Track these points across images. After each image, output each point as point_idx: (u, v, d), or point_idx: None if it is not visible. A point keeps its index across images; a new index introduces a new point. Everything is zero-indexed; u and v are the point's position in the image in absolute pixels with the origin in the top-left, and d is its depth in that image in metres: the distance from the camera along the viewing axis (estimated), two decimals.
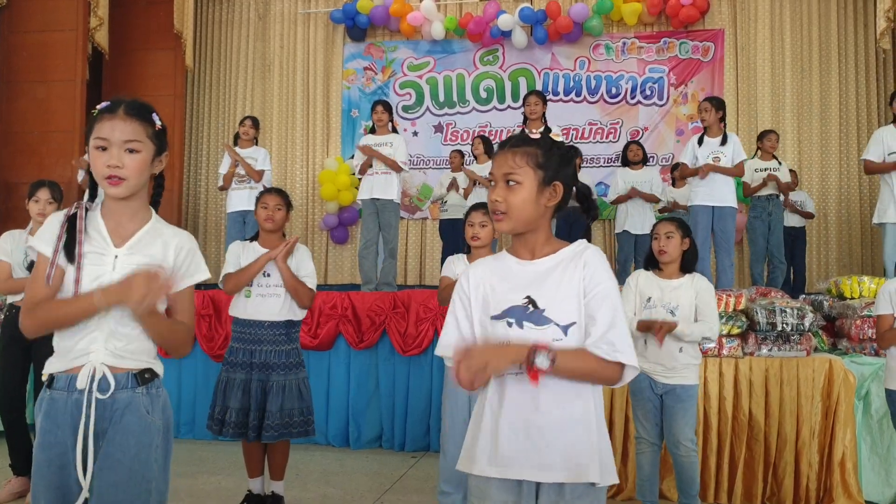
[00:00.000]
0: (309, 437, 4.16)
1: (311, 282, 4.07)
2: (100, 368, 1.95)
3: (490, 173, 1.95)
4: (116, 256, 2.00)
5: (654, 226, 3.99)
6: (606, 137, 9.35)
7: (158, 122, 2.06)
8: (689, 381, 3.84)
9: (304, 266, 4.08)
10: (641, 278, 3.95)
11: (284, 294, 4.03)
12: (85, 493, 1.93)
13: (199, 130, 10.23)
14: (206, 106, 10.24)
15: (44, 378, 2.02)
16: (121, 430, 1.95)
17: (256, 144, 7.30)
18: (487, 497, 1.92)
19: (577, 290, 1.88)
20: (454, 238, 7.46)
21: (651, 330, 3.76)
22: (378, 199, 6.69)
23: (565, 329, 1.88)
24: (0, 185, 8.80)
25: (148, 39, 9.57)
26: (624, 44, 9.45)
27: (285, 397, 4.00)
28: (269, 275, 4.05)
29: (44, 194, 4.39)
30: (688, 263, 3.89)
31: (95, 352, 1.96)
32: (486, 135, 8.69)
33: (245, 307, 4.05)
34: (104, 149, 1.96)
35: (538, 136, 1.95)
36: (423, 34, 9.61)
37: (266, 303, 4.04)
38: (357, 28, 9.78)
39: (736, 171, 6.26)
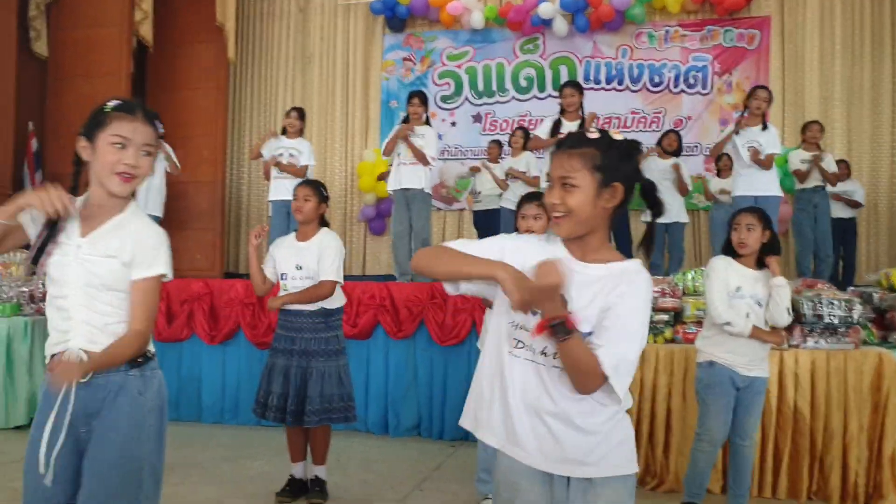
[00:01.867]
0: (349, 423, 4.21)
1: (329, 275, 4.07)
2: (77, 354, 1.99)
3: (548, 173, 1.90)
4: (79, 246, 2.03)
5: (735, 215, 3.84)
6: (649, 126, 9.24)
7: (161, 130, 2.12)
8: (765, 374, 3.79)
9: (325, 259, 4.10)
10: (724, 264, 3.78)
11: (313, 282, 4.08)
12: (49, 475, 1.97)
13: (242, 122, 10.34)
14: (248, 98, 10.34)
15: (46, 360, 2.07)
16: (113, 410, 2.00)
17: (302, 136, 7.33)
18: (519, 489, 1.89)
19: (604, 307, 1.82)
20: (489, 229, 7.43)
21: (764, 339, 3.70)
22: (408, 190, 6.69)
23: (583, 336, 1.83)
24: (48, 177, 8.98)
25: (191, 33, 9.67)
26: (667, 32, 9.31)
27: (325, 383, 4.05)
28: (300, 267, 4.11)
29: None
30: (767, 255, 3.76)
31: (74, 338, 2.02)
32: (527, 124, 8.65)
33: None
34: (122, 146, 2.01)
35: (597, 134, 1.86)
36: (463, 24, 9.58)
37: None
38: (396, 18, 9.79)
39: (764, 163, 6.12)
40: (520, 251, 1.88)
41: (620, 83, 9.39)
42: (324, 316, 4.12)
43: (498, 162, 7.96)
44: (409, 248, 6.78)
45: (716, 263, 3.77)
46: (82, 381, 1.97)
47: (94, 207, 2.07)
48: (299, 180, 6.94)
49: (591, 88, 9.07)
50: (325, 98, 10.08)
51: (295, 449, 4.24)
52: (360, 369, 5.80)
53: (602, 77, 9.42)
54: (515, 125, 8.86)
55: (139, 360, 2.04)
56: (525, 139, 7.65)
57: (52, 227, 2.02)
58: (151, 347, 2.10)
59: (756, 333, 3.67)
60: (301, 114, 7.35)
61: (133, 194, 2.12)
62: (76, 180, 2.11)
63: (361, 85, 10.01)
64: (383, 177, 8.40)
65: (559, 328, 1.72)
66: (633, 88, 9.37)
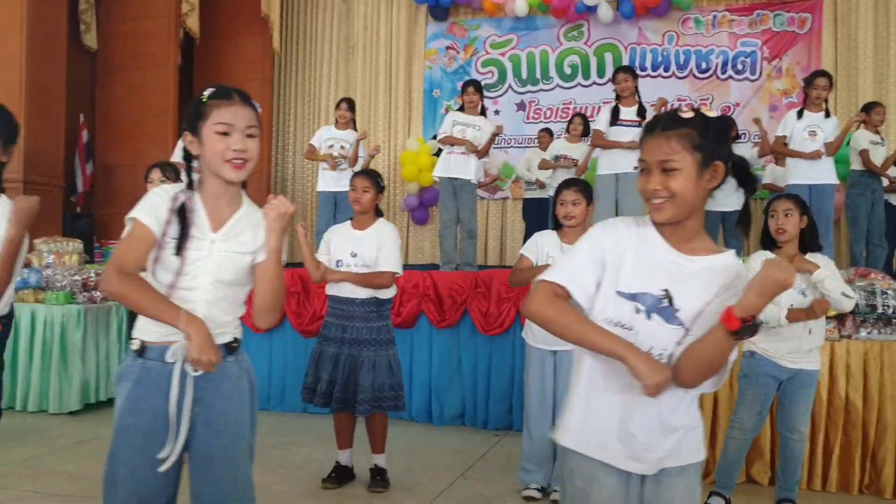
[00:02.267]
0: (399, 411, 4.25)
1: (390, 266, 4.10)
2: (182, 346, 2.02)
3: (641, 158, 1.83)
4: (213, 241, 2.05)
5: (771, 202, 3.76)
6: None
7: (260, 110, 2.11)
8: (814, 366, 3.71)
9: (385, 250, 4.12)
10: (761, 261, 3.75)
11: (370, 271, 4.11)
12: (173, 458, 2.00)
13: (286, 113, 10.43)
14: (292, 89, 10.42)
15: (133, 346, 2.07)
16: (219, 397, 2.04)
17: (353, 127, 7.36)
18: (595, 481, 1.86)
19: (719, 305, 1.76)
20: (538, 217, 7.39)
21: (803, 318, 3.62)
22: (456, 179, 6.67)
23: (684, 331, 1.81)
24: (99, 168, 9.18)
25: (236, 24, 9.78)
26: (714, 17, 9.15)
27: (376, 373, 4.09)
28: (356, 255, 4.14)
29: (156, 174, 4.56)
30: (807, 242, 3.68)
31: None
32: (570, 112, 8.58)
33: (338, 285, 4.16)
34: (226, 133, 2.00)
35: (691, 113, 1.81)
36: (506, 11, 9.52)
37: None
38: (440, 7, 9.77)
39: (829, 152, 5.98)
40: (619, 244, 1.84)
41: (666, 70, 9.26)
42: (375, 305, 4.15)
43: (578, 140, 7.86)
44: (456, 237, 6.78)
45: (753, 263, 3.62)
46: (194, 373, 2.01)
47: (214, 200, 2.08)
48: (347, 171, 7.04)
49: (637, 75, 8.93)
50: (367, 87, 10.12)
51: (342, 436, 4.29)
52: (404, 358, 5.77)
53: (648, 64, 9.30)
54: (560, 113, 8.79)
55: (234, 345, 2.10)
56: (584, 126, 7.55)
57: (183, 217, 2.04)
58: (240, 335, 2.15)
59: (793, 316, 3.61)
60: (351, 105, 7.35)
61: (244, 183, 2.15)
62: (190, 175, 2.10)
63: (404, 74, 10.02)
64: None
65: (748, 328, 1.69)
66: (680, 75, 9.22)
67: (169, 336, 2.01)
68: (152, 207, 2.04)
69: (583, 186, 4.01)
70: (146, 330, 2.05)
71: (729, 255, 1.85)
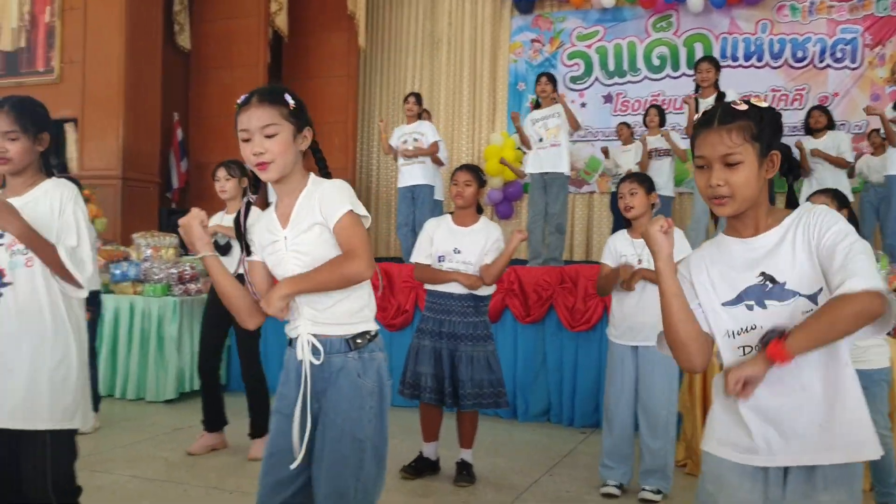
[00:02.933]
0: (500, 408, 4.24)
1: (492, 257, 4.10)
2: (307, 339, 2.07)
3: (698, 155, 1.81)
4: (286, 238, 2.09)
5: (809, 197, 3.64)
6: (791, 104, 8.76)
7: (292, 102, 2.09)
8: (873, 365, 3.53)
9: (495, 252, 4.12)
10: None
11: (472, 270, 4.11)
12: (301, 453, 2.05)
13: (371, 109, 10.52)
14: (377, 84, 10.51)
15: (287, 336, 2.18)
16: (335, 391, 2.06)
17: (420, 119, 7.39)
18: (724, 482, 1.81)
19: (811, 250, 1.73)
20: None
21: None
22: (547, 174, 6.60)
23: (814, 298, 1.73)
24: (192, 166, 9.47)
25: (323, 22, 9.92)
26: (812, 3, 8.78)
27: (474, 368, 4.09)
28: (459, 251, 4.14)
29: (221, 173, 4.68)
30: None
31: (302, 324, 2.09)
32: (660, 104, 8.39)
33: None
34: (247, 140, 2.04)
35: (745, 105, 1.78)
36: (593, 3, 9.39)
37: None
38: (525, 0, 9.68)
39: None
40: (699, 266, 1.88)
41: (760, 59, 8.94)
42: (473, 301, 4.14)
43: (631, 142, 7.79)
44: (543, 232, 6.71)
45: None
46: (316, 362, 2.05)
47: (280, 199, 2.14)
48: (427, 165, 7.06)
49: (728, 66, 8.68)
50: (452, 82, 10.12)
51: (429, 429, 4.30)
52: None
53: (740, 54, 9.00)
54: (648, 105, 8.61)
55: (358, 341, 2.07)
56: (660, 117, 7.44)
57: (237, 222, 2.15)
58: (374, 328, 2.13)
59: None
60: (418, 98, 7.38)
61: (327, 174, 2.16)
62: (255, 184, 2.15)
63: (489, 68, 9.99)
64: (504, 162, 8.39)
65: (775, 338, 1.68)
66: (774, 65, 8.90)
67: (293, 331, 2.13)
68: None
69: (638, 176, 4.00)
70: (289, 325, 2.16)
71: (797, 210, 1.82)
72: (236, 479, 4.13)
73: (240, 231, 2.15)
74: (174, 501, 3.82)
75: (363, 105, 10.49)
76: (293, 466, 2.06)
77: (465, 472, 4.21)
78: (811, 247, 1.73)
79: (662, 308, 1.84)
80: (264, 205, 2.25)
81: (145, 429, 5.31)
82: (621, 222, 4.28)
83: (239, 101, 2.08)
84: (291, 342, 2.14)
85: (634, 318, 3.90)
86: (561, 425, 5.62)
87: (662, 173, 7.13)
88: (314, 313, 2.07)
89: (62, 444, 2.41)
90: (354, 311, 2.10)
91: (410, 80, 10.30)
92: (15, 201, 2.42)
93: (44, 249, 2.34)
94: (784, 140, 1.90)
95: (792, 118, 8.59)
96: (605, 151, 8.22)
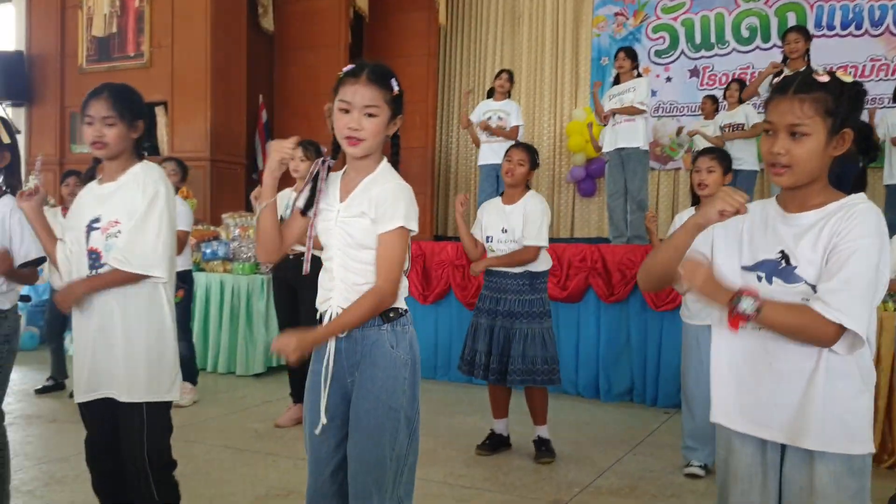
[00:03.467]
0: (553, 385, 4.23)
1: (533, 239, 4.08)
2: (336, 312, 2.10)
3: (768, 120, 1.77)
4: (338, 211, 2.12)
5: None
6: (891, 75, 8.32)
7: (396, 88, 2.10)
8: None
9: (530, 224, 4.09)
10: None
11: (516, 248, 4.12)
12: (322, 421, 2.12)
13: (451, 87, 10.50)
14: (457, 62, 10.48)
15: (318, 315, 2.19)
16: (370, 363, 2.09)
17: (510, 97, 7.33)
18: (732, 450, 1.90)
19: (827, 247, 1.71)
20: None
21: None
22: (623, 149, 6.47)
23: (816, 289, 1.72)
24: None
25: (403, 1, 9.93)
26: None
27: (527, 345, 4.10)
28: (506, 230, 4.14)
29: (297, 153, 4.74)
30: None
31: (335, 297, 2.12)
32: (748, 77, 8.11)
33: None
34: (346, 111, 2.05)
35: (826, 77, 1.71)
36: None
37: None
38: None
39: None
40: (734, 222, 1.83)
41: (858, 27, 8.51)
42: (529, 278, 4.15)
43: (712, 117, 7.56)
44: (625, 209, 6.59)
45: None
46: (340, 335, 2.10)
47: (351, 172, 2.16)
48: (508, 143, 7.00)
49: (823, 35, 8.32)
50: (533, 58, 10.00)
51: (497, 406, 4.36)
52: (571, 333, 5.77)
53: (836, 22, 8.59)
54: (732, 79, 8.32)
55: (391, 315, 2.11)
56: (740, 92, 7.19)
57: (315, 179, 2.16)
58: (403, 305, 2.16)
59: None
60: (511, 75, 7.31)
61: (396, 161, 2.18)
62: (335, 149, 2.17)
63: (571, 43, 9.83)
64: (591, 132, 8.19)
65: (744, 304, 1.70)
66: (874, 33, 8.45)
67: (324, 304, 2.16)
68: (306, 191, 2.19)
69: (719, 154, 3.89)
70: (318, 301, 2.19)
71: (849, 198, 1.77)
72: None
73: (314, 188, 2.15)
74: (264, 471, 3.94)
75: (443, 83, 10.48)
76: (317, 431, 2.12)
77: (544, 448, 4.22)
78: (829, 244, 1.71)
79: (662, 249, 1.89)
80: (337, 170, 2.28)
81: (236, 401, 5.49)
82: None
83: (346, 71, 2.09)
84: (321, 317, 2.17)
85: None
86: (644, 405, 5.56)
87: (744, 148, 6.88)
88: (349, 290, 2.09)
89: (157, 416, 2.51)
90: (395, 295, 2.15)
91: (491, 57, 10.23)
92: (108, 186, 2.54)
93: (112, 283, 2.45)
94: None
95: (891, 89, 8.19)
96: (680, 130, 7.99)
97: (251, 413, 5.16)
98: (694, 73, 9.22)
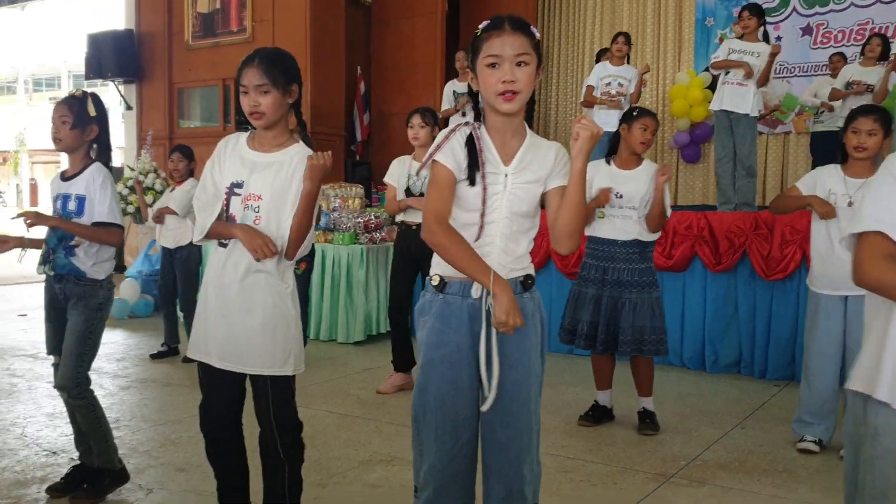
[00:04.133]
0: (661, 355, 4.14)
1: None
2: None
3: None
4: (507, 175, 2.04)
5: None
6: None
7: (538, 35, 2.02)
8: None
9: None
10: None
11: (636, 215, 4.02)
12: (492, 393, 2.02)
13: (550, 52, 10.32)
14: (556, 26, 10.28)
15: (433, 282, 2.12)
16: (516, 332, 2.01)
17: (628, 62, 7.12)
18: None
19: None
20: (828, 153, 6.69)
21: None
22: (732, 112, 6.20)
23: None
24: (375, 116, 9.73)
25: None
26: None
27: (636, 315, 4.01)
28: (621, 196, 4.04)
29: (416, 120, 4.77)
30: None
31: (490, 265, 2.01)
32: (866, 35, 7.62)
33: (599, 227, 4.11)
34: (495, 65, 1.97)
35: None
36: None
37: (618, 223, 4.06)
38: None
39: None
40: None
41: None
42: (638, 247, 4.05)
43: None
44: (733, 175, 6.31)
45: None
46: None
47: (500, 134, 2.06)
48: (618, 111, 6.84)
49: None
50: (634, 20, 9.70)
51: (601, 377, 4.29)
52: (676, 302, 5.61)
53: None
54: (853, 36, 7.86)
55: (529, 282, 2.10)
56: (883, 47, 6.70)
57: (472, 144, 2.04)
58: (534, 272, 2.15)
59: None
60: (628, 38, 7.09)
61: (529, 118, 2.13)
62: (477, 110, 2.10)
63: (674, 3, 9.47)
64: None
65: None
66: None
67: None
68: (451, 149, 2.04)
69: (881, 115, 3.63)
70: (446, 266, 2.08)
71: None
72: None
73: (474, 154, 2.03)
74: (367, 436, 4.01)
75: (543, 49, 10.30)
76: (485, 408, 2.04)
77: (648, 420, 4.14)
78: None
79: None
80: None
81: (338, 368, 5.60)
82: (824, 163, 3.94)
83: (486, 25, 2.01)
84: (446, 286, 2.08)
85: (844, 266, 3.60)
86: (752, 378, 5.37)
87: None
88: (507, 259, 2.04)
89: (281, 386, 2.53)
90: (529, 259, 2.14)
91: (591, 21, 9.98)
92: (262, 157, 2.46)
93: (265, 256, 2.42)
94: None
95: None
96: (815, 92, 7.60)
97: (353, 380, 5.25)
98: (806, 31, 8.74)
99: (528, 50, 1.97)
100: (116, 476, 3.19)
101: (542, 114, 10.29)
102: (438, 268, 2.11)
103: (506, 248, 2.05)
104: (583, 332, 4.11)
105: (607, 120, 6.83)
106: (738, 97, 6.13)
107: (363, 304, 6.42)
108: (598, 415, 4.26)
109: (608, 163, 4.15)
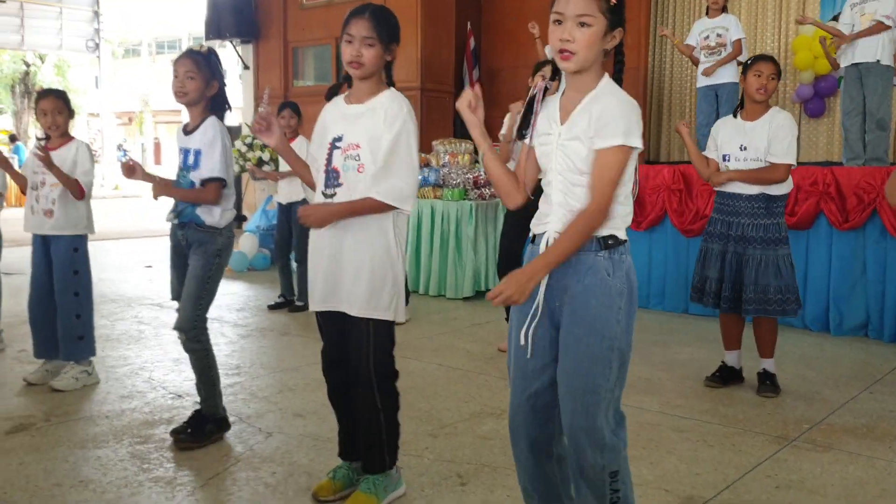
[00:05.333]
0: (788, 316, 3.99)
1: (782, 157, 3.82)
2: (553, 236, 2.02)
3: None
4: (559, 134, 2.01)
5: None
6: None
7: None
8: None
9: (779, 140, 3.81)
10: None
11: (756, 167, 3.87)
12: (528, 344, 2.07)
13: (665, 5, 9.92)
14: None
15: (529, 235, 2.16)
16: (582, 289, 1.99)
17: (725, 11, 6.82)
18: None
19: None
20: None
21: None
22: (861, 64, 5.82)
23: None
24: (484, 72, 9.65)
25: None
26: None
27: (760, 272, 3.87)
28: (745, 148, 3.90)
29: (547, 72, 4.66)
30: None
31: (552, 221, 2.03)
32: None
33: None
34: (559, 22, 1.95)
35: None
36: None
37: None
38: None
39: None
40: None
41: None
42: (765, 201, 3.88)
43: None
44: (862, 129, 5.94)
45: None
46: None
47: (570, 92, 2.05)
48: (730, 65, 6.56)
49: None
50: None
51: (728, 337, 4.14)
52: (799, 261, 5.30)
53: None
54: None
55: (609, 242, 2.00)
56: None
57: (531, 101, 2.09)
58: (623, 234, 2.04)
59: None
60: None
61: (619, 78, 2.06)
62: (555, 70, 2.10)
63: None
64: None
65: None
66: None
67: (540, 227, 2.08)
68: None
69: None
70: (533, 223, 2.11)
71: None
72: None
73: (529, 113, 2.09)
74: (477, 390, 4.03)
75: (656, 1, 9.93)
76: (521, 344, 2.07)
77: (767, 382, 4.00)
78: None
79: None
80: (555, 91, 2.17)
81: (447, 322, 5.66)
82: None
83: None
84: (535, 239, 2.10)
85: None
86: (881, 341, 5.10)
87: None
88: (568, 216, 2.00)
89: (381, 332, 2.60)
90: (611, 220, 2.02)
91: None
92: (356, 108, 2.57)
93: (363, 211, 2.51)
94: None
95: None
96: None
97: (462, 334, 5.29)
98: None
99: (591, 12, 1.92)
100: (218, 423, 3.32)
101: (656, 64, 9.94)
102: (532, 223, 2.13)
103: (565, 204, 2.01)
104: (710, 290, 4.00)
105: (726, 71, 6.61)
106: (868, 47, 5.76)
107: (472, 259, 6.44)
108: (726, 376, 4.12)
109: (735, 116, 3.98)
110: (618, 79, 2.07)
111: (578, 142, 1.97)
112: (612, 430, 2.02)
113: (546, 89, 2.12)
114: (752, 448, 3.24)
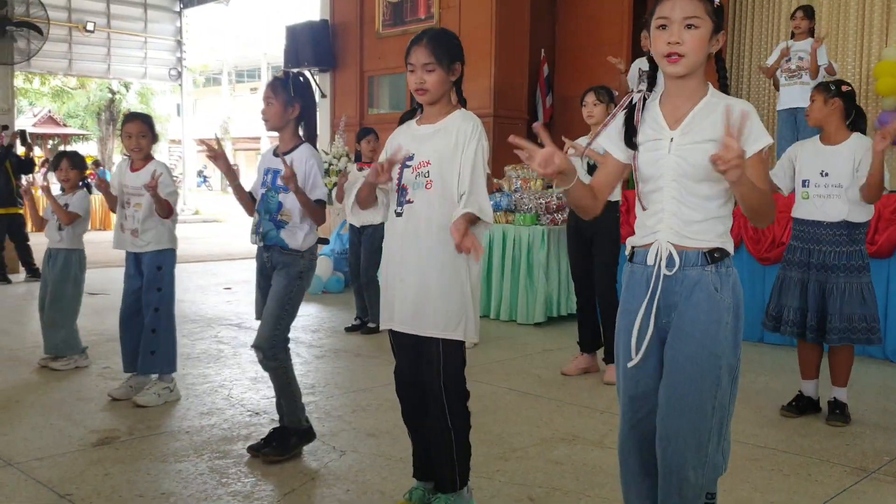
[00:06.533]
0: (872, 344, 3.92)
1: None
2: (665, 247, 2.01)
3: None
4: (672, 139, 2.00)
5: None
6: None
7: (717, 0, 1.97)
8: None
9: (864, 165, 3.74)
10: None
11: (844, 195, 3.80)
12: (638, 355, 2.04)
13: (742, 25, 9.81)
14: (748, 2, 9.76)
15: (626, 252, 2.15)
16: (690, 305, 1.98)
17: (811, 36, 6.74)
18: None
19: None
20: None
21: None
22: None
23: None
24: (557, 99, 9.69)
25: None
26: None
27: (845, 301, 3.80)
28: (826, 174, 3.84)
29: (590, 98, 4.75)
30: None
31: (662, 231, 2.02)
32: None
33: (805, 207, 3.94)
34: (664, 27, 1.96)
35: None
36: None
37: (825, 203, 3.86)
38: None
39: None
40: None
41: None
42: (847, 228, 3.81)
43: None
44: None
45: None
46: (668, 273, 2.01)
47: (671, 98, 2.05)
48: (808, 87, 6.43)
49: None
50: None
51: (807, 366, 4.07)
52: (879, 290, 5.13)
53: None
54: None
55: (716, 255, 2.00)
56: None
57: (631, 110, 2.08)
58: (729, 247, 2.02)
59: None
60: (807, 12, 6.78)
61: (724, 85, 2.07)
62: (651, 77, 2.12)
63: None
64: None
65: None
66: None
67: (646, 238, 2.06)
68: (612, 127, 2.12)
69: None
70: (632, 237, 2.12)
71: None
72: (607, 401, 4.24)
73: (631, 123, 2.07)
74: (549, 415, 4.04)
75: (734, 26, 9.80)
76: (630, 364, 2.05)
77: (837, 412, 3.92)
78: None
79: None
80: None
81: (518, 347, 5.68)
82: None
83: None
84: (633, 255, 2.09)
85: None
86: None
87: None
88: (680, 225, 1.99)
89: (451, 351, 2.64)
90: (720, 232, 2.01)
91: None
92: (426, 128, 2.65)
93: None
94: None
95: None
96: None
97: (534, 360, 5.31)
98: None
99: (698, 13, 1.93)
100: (303, 435, 3.42)
101: (733, 83, 9.82)
102: (631, 238, 2.13)
103: (678, 213, 1.99)
104: (789, 319, 3.94)
105: (789, 97, 6.54)
106: None
107: (543, 285, 6.45)
108: (803, 406, 4.04)
109: (821, 139, 3.94)
110: (722, 85, 2.09)
111: (701, 146, 1.95)
112: (717, 448, 2.02)
113: (644, 99, 2.11)
114: (829, 479, 3.17)
